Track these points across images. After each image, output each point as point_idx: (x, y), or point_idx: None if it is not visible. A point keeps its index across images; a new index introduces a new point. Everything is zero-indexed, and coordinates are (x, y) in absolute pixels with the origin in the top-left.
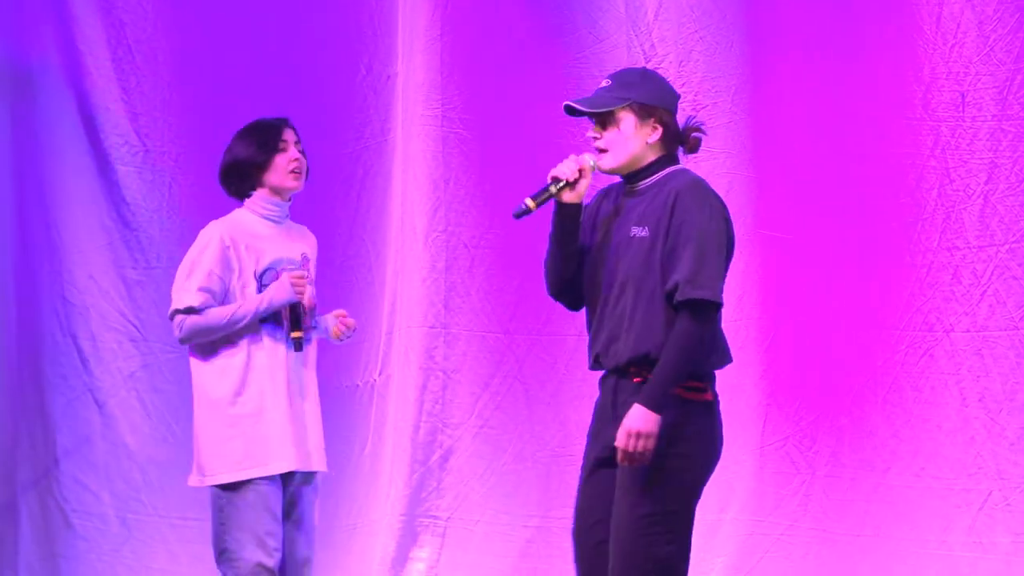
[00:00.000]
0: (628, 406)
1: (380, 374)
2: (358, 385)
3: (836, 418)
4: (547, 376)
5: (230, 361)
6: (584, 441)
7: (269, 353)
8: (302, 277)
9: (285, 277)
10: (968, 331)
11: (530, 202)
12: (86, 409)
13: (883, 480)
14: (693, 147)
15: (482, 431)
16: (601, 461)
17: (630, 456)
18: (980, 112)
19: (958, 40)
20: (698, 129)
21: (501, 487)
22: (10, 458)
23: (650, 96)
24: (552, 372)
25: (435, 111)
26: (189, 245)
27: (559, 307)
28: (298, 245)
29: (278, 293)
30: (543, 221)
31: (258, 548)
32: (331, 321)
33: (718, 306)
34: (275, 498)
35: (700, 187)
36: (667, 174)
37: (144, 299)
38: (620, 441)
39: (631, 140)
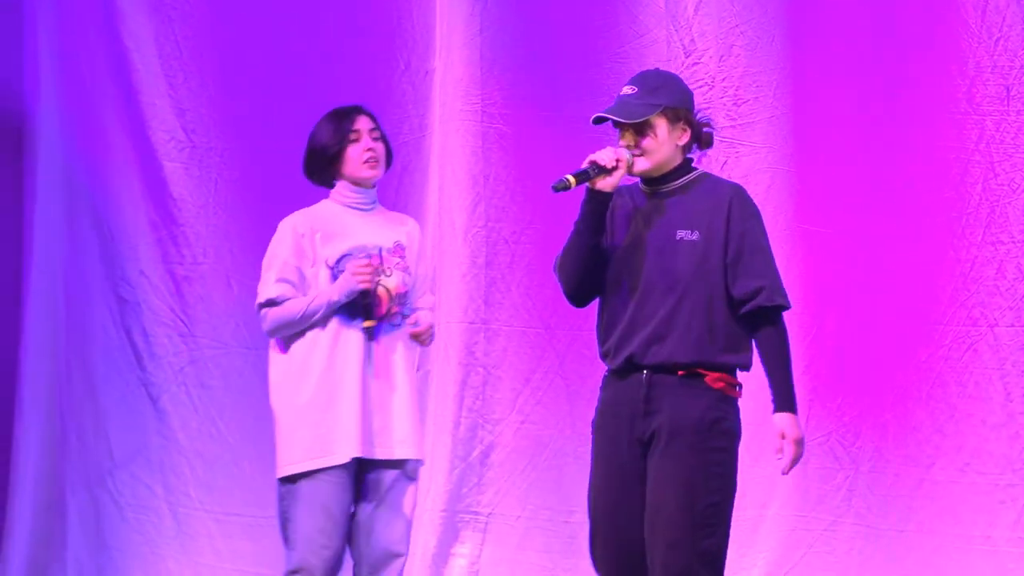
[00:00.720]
0: (667, 400)
1: (419, 370)
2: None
3: (880, 413)
4: (588, 372)
5: (300, 353)
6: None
7: (341, 343)
8: (368, 266)
9: (349, 268)
10: (1012, 326)
11: (571, 178)
12: (140, 404)
13: (927, 475)
14: (707, 142)
15: (523, 427)
16: (631, 452)
17: (795, 462)
18: None
19: (1003, 33)
20: (708, 124)
21: (542, 483)
22: (60, 455)
23: (677, 99)
24: (593, 367)
25: (475, 107)
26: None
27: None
28: (388, 233)
29: (343, 284)
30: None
31: (305, 545)
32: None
33: (788, 310)
34: (334, 494)
35: (745, 193)
36: (697, 177)
37: (191, 295)
38: (791, 451)
39: (665, 144)
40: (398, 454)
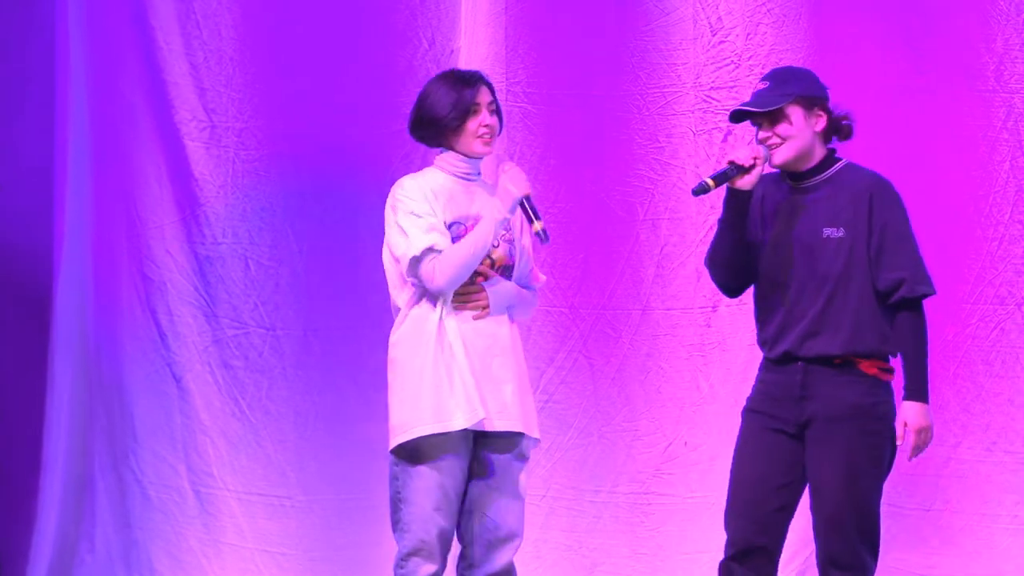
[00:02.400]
0: (824, 388)
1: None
2: None
3: None
4: (612, 351)
5: (410, 325)
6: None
7: (434, 317)
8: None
9: (506, 179)
10: None
11: (710, 181)
12: (164, 383)
13: (953, 454)
14: (847, 134)
15: (547, 406)
16: (779, 432)
17: (918, 450)
18: None
19: None
20: (846, 117)
21: (566, 462)
22: (89, 433)
23: (810, 88)
24: (617, 347)
25: (499, 85)
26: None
27: (624, 281)
28: (493, 203)
29: (505, 197)
30: (601, 199)
31: (421, 525)
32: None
33: (934, 293)
34: (451, 472)
35: (886, 182)
36: (839, 170)
37: (212, 275)
38: (912, 439)
39: (802, 132)
40: (517, 427)
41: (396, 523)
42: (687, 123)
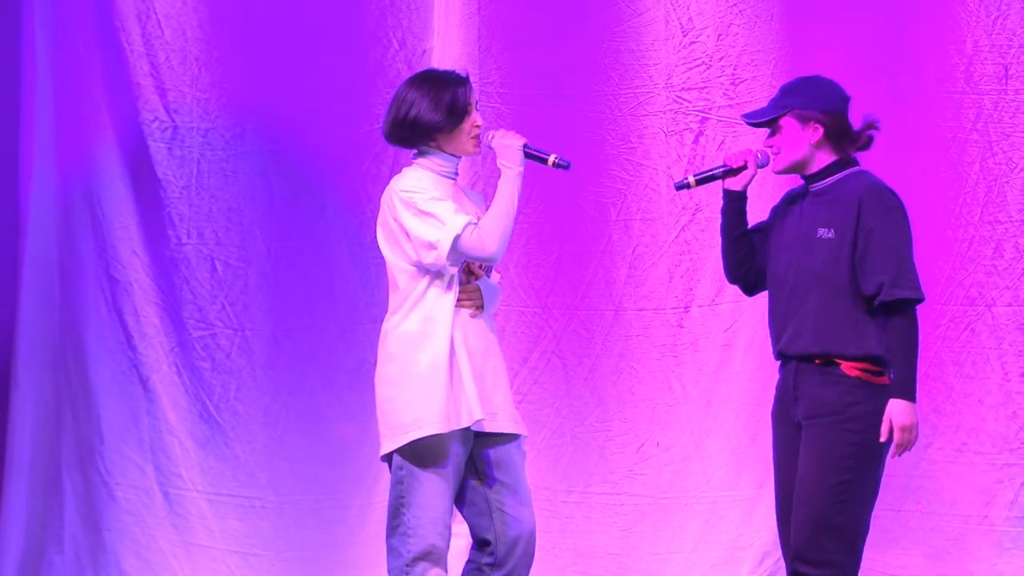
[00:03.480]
0: (809, 387)
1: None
2: None
3: None
4: (585, 352)
5: (418, 322)
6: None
7: (445, 314)
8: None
9: (501, 135)
10: (1010, 305)
11: (692, 179)
12: (131, 384)
13: (924, 455)
14: (864, 144)
15: (520, 406)
16: (790, 435)
17: (903, 447)
18: (1023, 85)
19: (1001, 12)
20: (872, 125)
21: (539, 462)
22: (55, 434)
23: (809, 102)
24: (590, 348)
25: (473, 85)
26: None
27: (597, 282)
28: (471, 202)
29: (510, 150)
30: (574, 199)
31: (431, 527)
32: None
33: (920, 301)
34: (454, 473)
35: (882, 190)
36: (844, 176)
37: (177, 276)
38: (896, 436)
39: (794, 143)
40: (516, 428)
41: (396, 527)
42: (659, 123)
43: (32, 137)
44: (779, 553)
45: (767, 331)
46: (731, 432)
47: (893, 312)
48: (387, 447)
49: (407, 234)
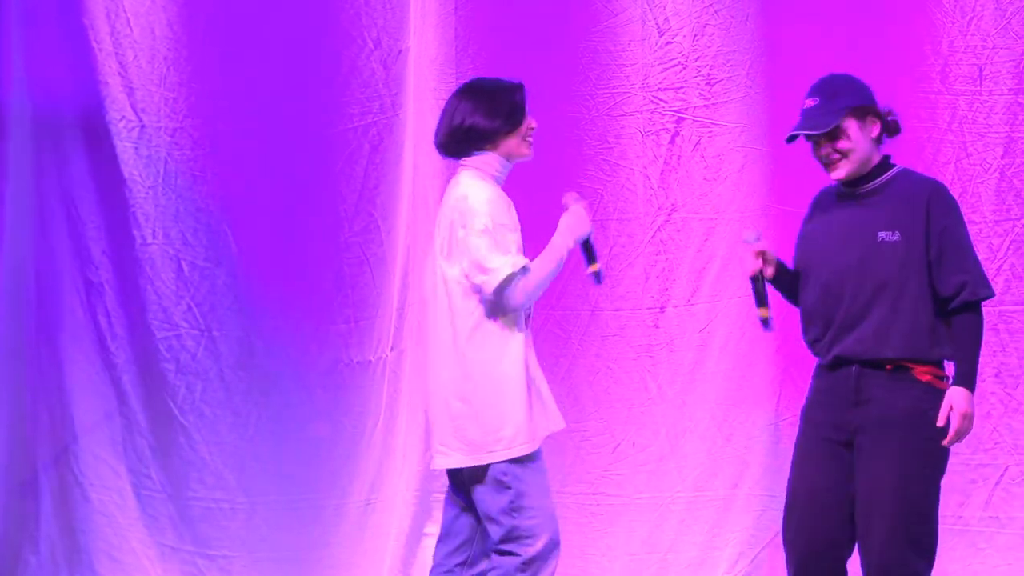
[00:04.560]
0: (878, 392)
1: (392, 349)
2: (370, 361)
3: None
4: (561, 352)
5: (495, 336)
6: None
7: (523, 325)
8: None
9: (579, 209)
10: (984, 305)
11: (763, 311)
12: (104, 386)
13: None
14: (896, 130)
15: None
16: (832, 442)
17: (961, 435)
18: (997, 86)
19: (976, 14)
20: (891, 112)
21: None
22: (31, 435)
23: (859, 97)
24: (566, 348)
25: (449, 85)
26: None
27: (573, 282)
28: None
29: (573, 229)
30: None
31: (550, 521)
32: None
33: (993, 295)
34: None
35: (943, 188)
36: (895, 175)
37: (142, 276)
38: (955, 423)
39: (861, 143)
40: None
41: (509, 528)
42: (636, 124)
43: (8, 136)
44: (754, 553)
45: (742, 331)
46: (706, 432)
47: (968, 311)
48: (479, 459)
49: (468, 248)
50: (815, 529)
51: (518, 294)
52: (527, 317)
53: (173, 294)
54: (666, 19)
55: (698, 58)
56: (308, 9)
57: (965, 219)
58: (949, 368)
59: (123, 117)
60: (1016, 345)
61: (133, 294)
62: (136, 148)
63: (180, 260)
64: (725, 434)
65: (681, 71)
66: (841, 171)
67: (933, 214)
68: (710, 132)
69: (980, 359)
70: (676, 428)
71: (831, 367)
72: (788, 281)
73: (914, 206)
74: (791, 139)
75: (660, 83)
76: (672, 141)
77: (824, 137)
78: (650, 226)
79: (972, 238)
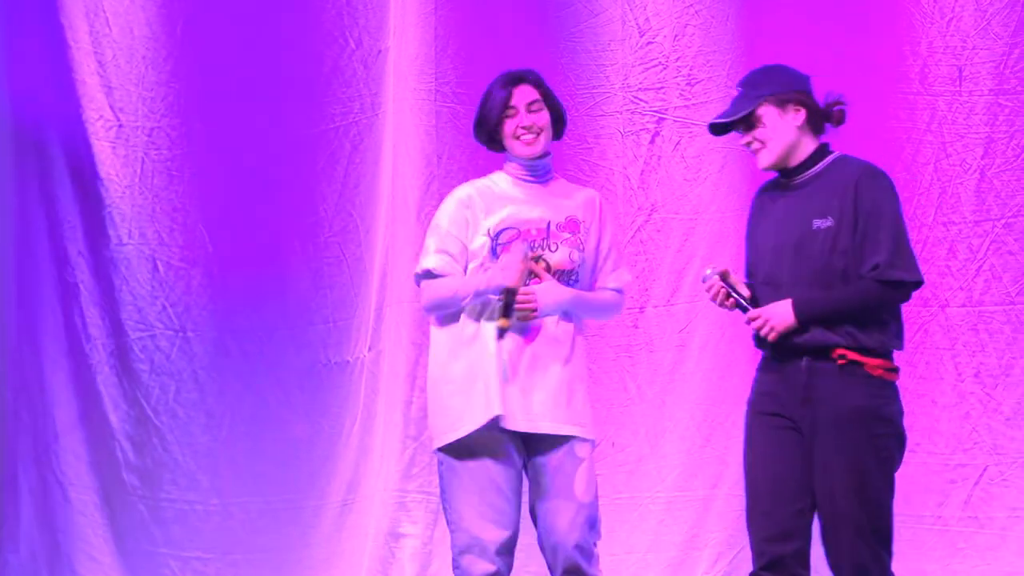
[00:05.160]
0: (830, 390)
1: (370, 350)
2: (348, 361)
3: None
4: None
5: (451, 328)
6: None
7: (484, 320)
8: (522, 263)
9: (513, 261)
10: (964, 306)
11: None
12: (81, 386)
13: None
14: (839, 119)
15: None
16: (787, 430)
17: (758, 323)
18: (977, 87)
19: (955, 14)
20: (838, 103)
21: None
22: (12, 434)
23: (780, 85)
24: None
25: (428, 85)
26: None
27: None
28: (561, 205)
29: (492, 278)
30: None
31: (471, 522)
32: None
33: (919, 284)
34: (498, 469)
35: (875, 170)
36: (831, 162)
37: (116, 276)
38: (764, 319)
39: (779, 131)
40: (553, 429)
41: (448, 522)
42: (615, 124)
43: None
44: (733, 553)
45: (722, 331)
46: (686, 433)
47: (881, 284)
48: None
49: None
50: (778, 519)
51: (422, 297)
52: (499, 334)
53: (148, 294)
54: (647, 19)
55: (679, 58)
56: (289, 9)
57: (901, 199)
58: (899, 358)
59: (101, 116)
60: (995, 345)
61: (108, 294)
62: (113, 147)
63: (156, 260)
64: (704, 434)
65: (662, 71)
66: (763, 159)
67: (861, 196)
68: (690, 132)
69: (848, 321)
70: (656, 428)
71: (779, 360)
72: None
73: (845, 190)
74: (715, 130)
75: (640, 83)
76: (652, 141)
77: (743, 126)
78: (630, 226)
79: (952, 239)
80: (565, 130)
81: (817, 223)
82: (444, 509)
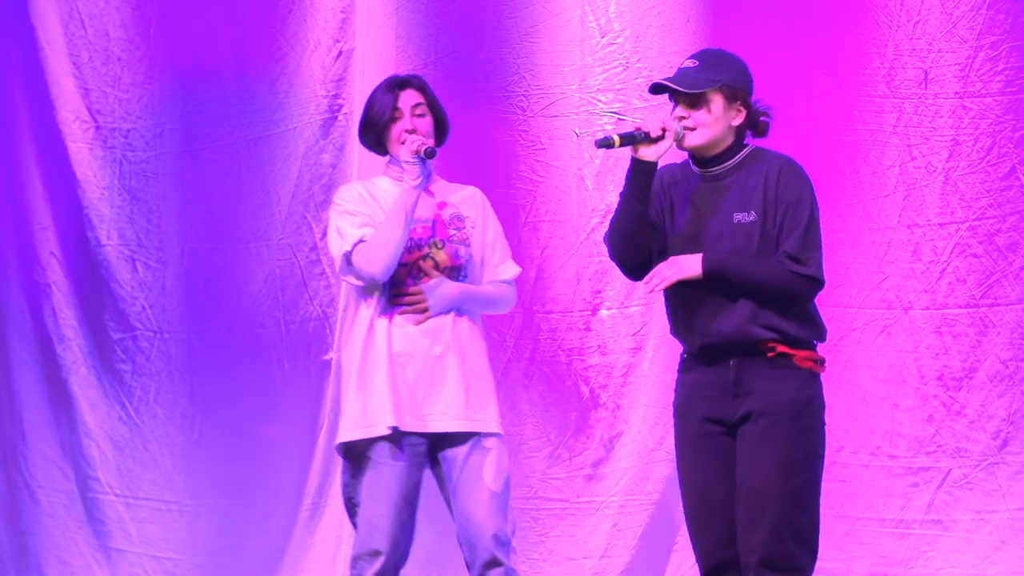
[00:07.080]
0: (759, 383)
1: (339, 351)
2: (308, 365)
3: None
4: (496, 355)
5: (352, 327)
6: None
7: (363, 322)
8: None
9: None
10: (927, 308)
11: (616, 137)
12: (51, 386)
13: (837, 458)
14: (763, 131)
15: None
16: (713, 435)
17: (660, 276)
18: (942, 89)
19: (922, 17)
20: (765, 113)
21: None
22: None
23: (737, 80)
24: (501, 351)
25: None
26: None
27: None
28: (445, 204)
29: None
30: (512, 207)
31: (365, 528)
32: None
33: (820, 283)
34: (396, 473)
35: (795, 164)
36: (749, 155)
37: (97, 277)
38: (667, 270)
39: (719, 121)
40: (458, 427)
41: (352, 523)
42: (571, 125)
43: None
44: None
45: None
46: (638, 436)
47: (794, 268)
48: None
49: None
50: (713, 528)
51: (366, 263)
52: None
53: (128, 295)
54: (608, 20)
55: (639, 60)
56: (254, 10)
57: (817, 193)
58: (822, 350)
59: (77, 118)
60: (959, 348)
61: (87, 295)
62: (91, 148)
63: (135, 261)
64: (656, 438)
65: (622, 72)
66: (689, 141)
67: (782, 188)
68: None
69: (757, 289)
70: (610, 432)
71: (705, 359)
72: (641, 209)
73: (764, 182)
74: (656, 89)
75: (599, 84)
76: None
77: (686, 101)
78: (583, 228)
79: (916, 241)
80: (447, 137)
81: (738, 216)
82: (348, 511)
